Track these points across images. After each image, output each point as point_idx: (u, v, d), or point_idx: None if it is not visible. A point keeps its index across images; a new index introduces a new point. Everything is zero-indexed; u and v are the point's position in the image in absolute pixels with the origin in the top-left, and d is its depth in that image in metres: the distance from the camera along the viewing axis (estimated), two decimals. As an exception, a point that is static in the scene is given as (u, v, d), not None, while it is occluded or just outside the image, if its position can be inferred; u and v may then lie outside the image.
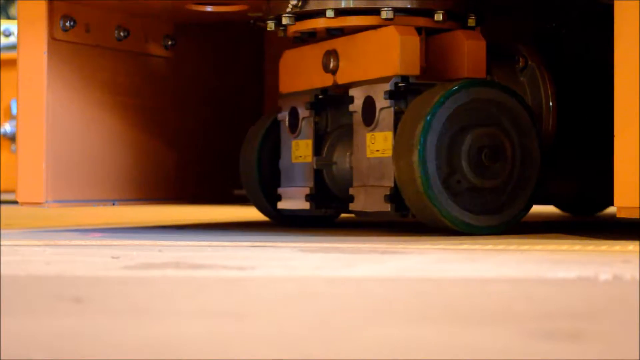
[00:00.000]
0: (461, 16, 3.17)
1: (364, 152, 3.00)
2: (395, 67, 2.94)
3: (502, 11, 3.49)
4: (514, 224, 2.94)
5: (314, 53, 3.30)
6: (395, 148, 2.84)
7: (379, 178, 2.92)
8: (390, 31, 2.98)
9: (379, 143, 2.93)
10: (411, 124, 2.80)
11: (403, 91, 2.92)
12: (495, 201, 2.91)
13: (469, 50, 3.01)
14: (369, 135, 2.99)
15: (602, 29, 2.84)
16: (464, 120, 2.87)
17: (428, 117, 2.77)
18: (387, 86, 2.92)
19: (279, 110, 3.41)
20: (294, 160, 3.30)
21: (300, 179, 3.27)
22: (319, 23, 3.18)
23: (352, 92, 3.08)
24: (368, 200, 2.95)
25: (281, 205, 3.35)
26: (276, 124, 3.47)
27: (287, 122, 3.34)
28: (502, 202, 2.92)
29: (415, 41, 2.97)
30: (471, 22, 3.17)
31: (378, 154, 2.94)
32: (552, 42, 3.46)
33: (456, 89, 2.83)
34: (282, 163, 3.38)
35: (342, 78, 3.16)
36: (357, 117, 3.05)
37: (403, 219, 2.92)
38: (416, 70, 2.96)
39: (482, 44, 3.04)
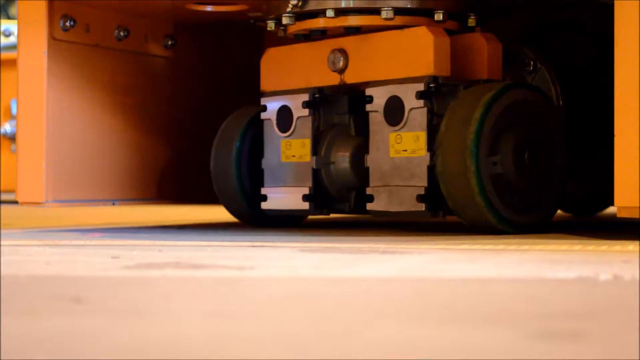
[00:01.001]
0: (461, 16, 3.17)
1: (385, 151, 2.99)
2: (429, 67, 2.95)
3: (500, 11, 3.50)
4: (546, 223, 3.01)
5: (310, 51, 3.29)
6: (444, 145, 2.84)
7: (408, 178, 2.92)
8: (423, 32, 2.99)
9: (407, 143, 2.93)
10: (463, 121, 2.82)
11: (433, 92, 2.95)
12: (531, 200, 2.97)
13: (489, 53, 3.05)
14: (392, 135, 2.98)
15: (603, 29, 2.85)
16: (508, 120, 2.91)
17: (482, 115, 2.80)
18: (419, 86, 2.92)
19: (263, 108, 3.34)
20: (284, 160, 3.25)
21: (292, 178, 3.23)
22: (319, 23, 3.17)
23: (371, 91, 3.06)
24: (394, 200, 2.94)
25: (267, 205, 3.29)
26: (252, 123, 3.41)
27: (275, 121, 3.30)
28: (535, 201, 2.98)
29: (446, 42, 2.99)
30: (471, 22, 3.18)
31: (406, 154, 2.93)
32: (551, 43, 3.47)
33: (504, 89, 2.89)
34: (267, 163, 3.31)
35: (352, 77, 3.14)
36: (377, 117, 3.03)
37: (433, 219, 2.94)
38: (447, 71, 2.98)
39: (499, 47, 3.08)
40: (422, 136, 2.90)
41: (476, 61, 3.05)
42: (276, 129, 3.29)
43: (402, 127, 2.95)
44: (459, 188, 2.79)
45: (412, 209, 2.88)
